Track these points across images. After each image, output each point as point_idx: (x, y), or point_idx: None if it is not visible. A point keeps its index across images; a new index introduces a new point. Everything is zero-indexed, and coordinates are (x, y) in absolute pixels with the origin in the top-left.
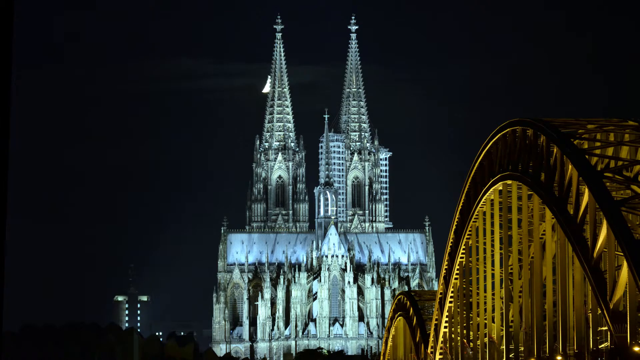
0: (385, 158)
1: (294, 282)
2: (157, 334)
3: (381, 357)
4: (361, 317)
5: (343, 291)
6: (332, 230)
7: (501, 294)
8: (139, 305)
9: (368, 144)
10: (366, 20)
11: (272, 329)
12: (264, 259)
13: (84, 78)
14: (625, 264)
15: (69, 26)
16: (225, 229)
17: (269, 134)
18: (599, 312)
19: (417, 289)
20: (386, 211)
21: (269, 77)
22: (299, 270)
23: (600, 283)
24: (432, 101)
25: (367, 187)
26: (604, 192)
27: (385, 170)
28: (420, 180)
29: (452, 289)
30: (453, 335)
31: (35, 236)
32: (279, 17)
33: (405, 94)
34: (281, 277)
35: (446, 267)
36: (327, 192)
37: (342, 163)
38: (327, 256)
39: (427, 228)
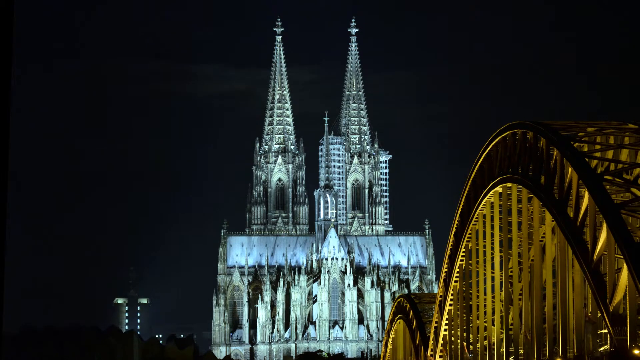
0: (385, 161)
1: (294, 284)
2: (157, 336)
3: None
4: (361, 320)
5: (343, 294)
6: (332, 233)
7: (501, 297)
8: (139, 308)
9: (368, 147)
10: (366, 23)
11: (272, 332)
12: (263, 261)
13: (84, 79)
14: (625, 266)
15: (69, 26)
16: (225, 231)
17: (269, 136)
18: (599, 314)
19: (417, 292)
20: (386, 214)
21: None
22: (299, 273)
23: (600, 286)
24: (432, 104)
25: (367, 190)
26: (604, 195)
27: (385, 172)
28: (420, 182)
29: (452, 292)
30: (453, 338)
31: (35, 238)
32: (279, 20)
33: (405, 96)
34: (281, 280)
35: (446, 269)
36: (327, 194)
37: (342, 166)
38: (327, 259)
39: (427, 231)
